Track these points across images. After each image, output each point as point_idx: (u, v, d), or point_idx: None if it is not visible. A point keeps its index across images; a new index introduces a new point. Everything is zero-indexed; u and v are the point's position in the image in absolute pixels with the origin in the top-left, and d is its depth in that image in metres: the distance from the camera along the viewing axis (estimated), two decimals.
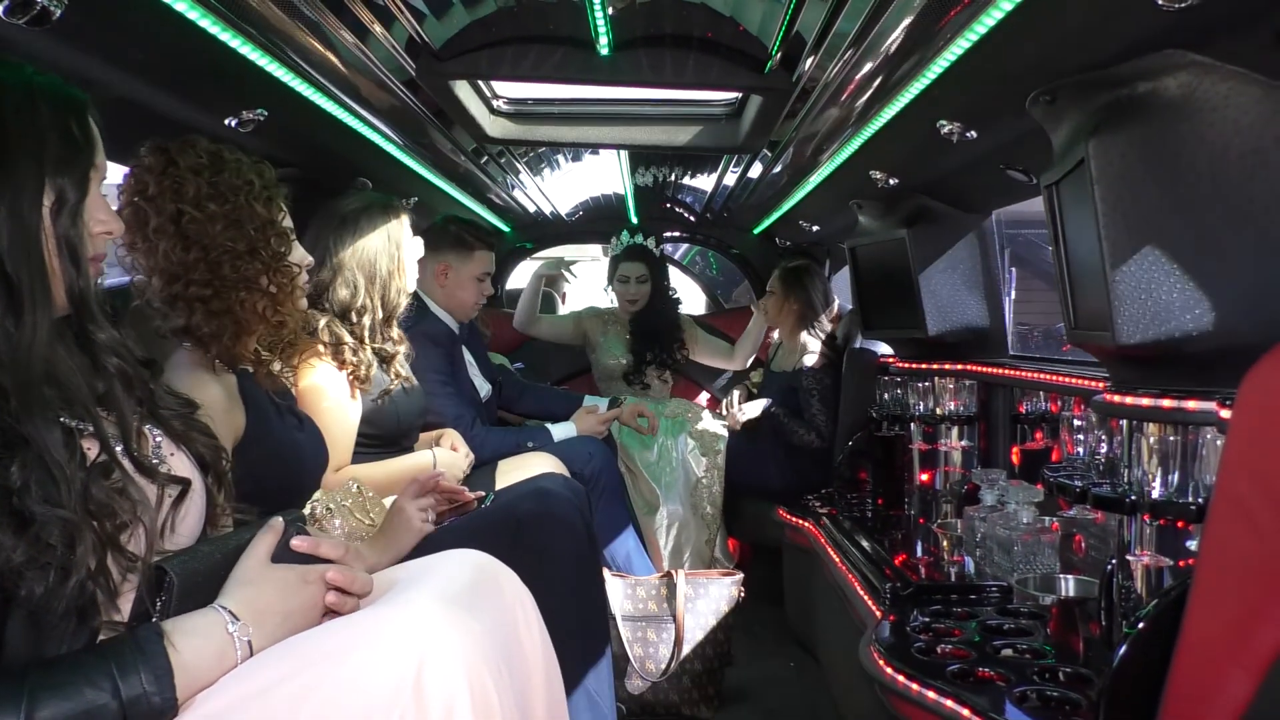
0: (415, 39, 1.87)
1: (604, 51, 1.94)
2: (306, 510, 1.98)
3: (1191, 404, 1.56)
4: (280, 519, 1.28)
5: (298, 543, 1.27)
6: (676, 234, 5.09)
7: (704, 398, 4.71)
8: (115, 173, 1.48)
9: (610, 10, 1.74)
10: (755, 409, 3.78)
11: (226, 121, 2.03)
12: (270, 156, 2.41)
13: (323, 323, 2.36)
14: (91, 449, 1.12)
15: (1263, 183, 1.48)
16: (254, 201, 1.65)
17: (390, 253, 2.44)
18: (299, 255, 1.81)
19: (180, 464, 1.28)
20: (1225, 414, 1.46)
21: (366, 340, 2.39)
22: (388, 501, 2.14)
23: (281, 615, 1.18)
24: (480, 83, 2.43)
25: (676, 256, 6.68)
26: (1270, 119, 1.46)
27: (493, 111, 2.58)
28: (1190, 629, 1.25)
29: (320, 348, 2.32)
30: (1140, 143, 1.54)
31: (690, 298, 5.66)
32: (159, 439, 1.27)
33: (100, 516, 1.07)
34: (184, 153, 1.66)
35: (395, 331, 2.48)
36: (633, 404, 3.59)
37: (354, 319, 2.39)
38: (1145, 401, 1.62)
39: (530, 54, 1.94)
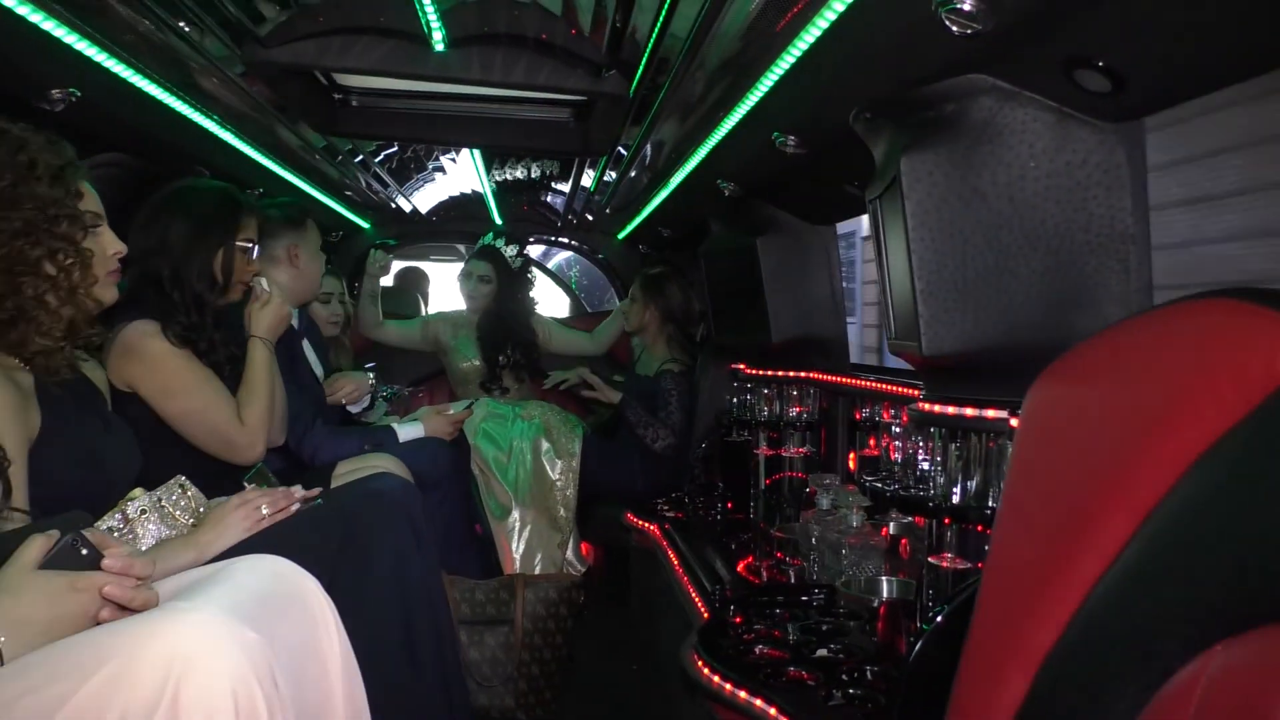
0: (236, 22, 1.80)
1: (438, 47, 1.90)
2: (117, 512, 1.88)
3: (991, 413, 1.63)
4: (55, 529, 1.21)
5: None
6: (541, 237, 5.07)
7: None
8: None
9: (441, 5, 1.71)
10: (614, 396, 3.82)
11: (35, 102, 1.91)
12: (89, 139, 2.29)
13: (153, 300, 2.24)
14: None
15: (1054, 205, 1.56)
16: (32, 181, 1.54)
17: (215, 240, 2.29)
18: (106, 242, 1.72)
19: None
20: (1015, 423, 1.53)
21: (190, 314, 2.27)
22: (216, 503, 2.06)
23: (44, 624, 1.11)
24: (318, 74, 2.35)
25: (549, 265, 6.62)
26: (1062, 145, 1.54)
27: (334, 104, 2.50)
28: (976, 629, 1.30)
29: (156, 327, 2.21)
30: (947, 162, 1.61)
31: (558, 303, 5.59)
32: None
33: None
34: None
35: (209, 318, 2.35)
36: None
37: (171, 294, 2.26)
38: (951, 410, 1.68)
39: (359, 45, 1.89)
